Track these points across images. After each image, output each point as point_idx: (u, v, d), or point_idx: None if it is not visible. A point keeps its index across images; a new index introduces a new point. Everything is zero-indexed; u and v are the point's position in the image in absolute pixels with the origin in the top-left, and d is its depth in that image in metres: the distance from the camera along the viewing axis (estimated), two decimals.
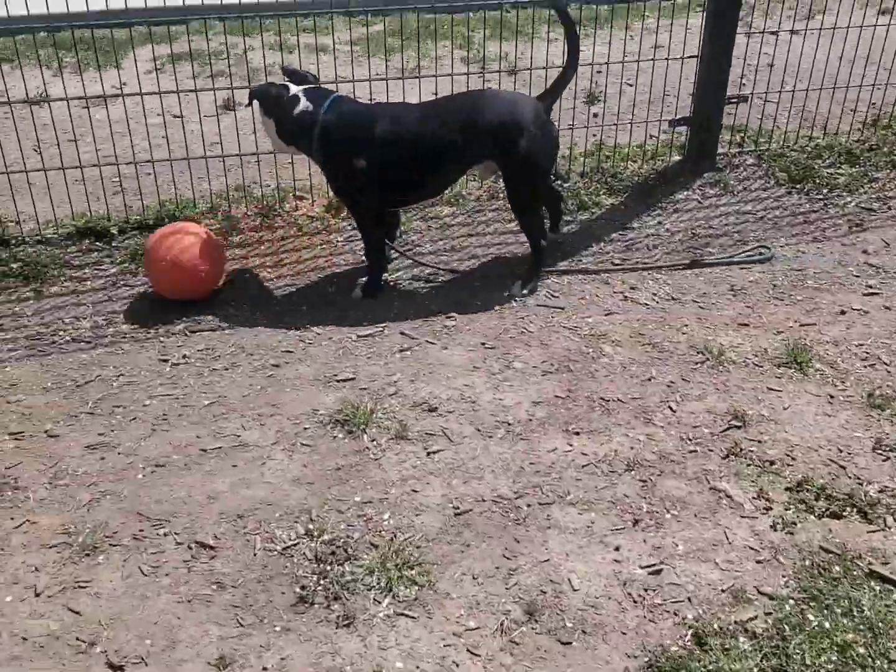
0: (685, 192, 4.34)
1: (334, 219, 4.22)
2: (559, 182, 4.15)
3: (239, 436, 2.90)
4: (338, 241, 4.07)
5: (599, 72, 5.25)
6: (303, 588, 2.33)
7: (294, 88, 3.46)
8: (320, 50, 5.83)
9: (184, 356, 3.32)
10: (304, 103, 3.42)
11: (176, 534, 2.53)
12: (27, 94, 4.48)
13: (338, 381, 3.14)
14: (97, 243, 4.04)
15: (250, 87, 3.54)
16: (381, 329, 3.43)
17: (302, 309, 3.60)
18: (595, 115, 5.04)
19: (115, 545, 2.50)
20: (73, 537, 2.53)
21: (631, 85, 5.22)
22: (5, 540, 2.53)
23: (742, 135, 4.70)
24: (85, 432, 2.95)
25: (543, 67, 4.34)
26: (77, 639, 2.23)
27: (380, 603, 2.28)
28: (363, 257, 3.76)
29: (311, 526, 2.51)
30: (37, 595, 2.35)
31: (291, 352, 3.33)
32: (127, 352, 3.37)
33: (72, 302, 3.70)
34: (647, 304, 3.52)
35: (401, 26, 6.30)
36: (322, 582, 2.34)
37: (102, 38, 6.16)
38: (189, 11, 4.25)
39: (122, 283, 3.82)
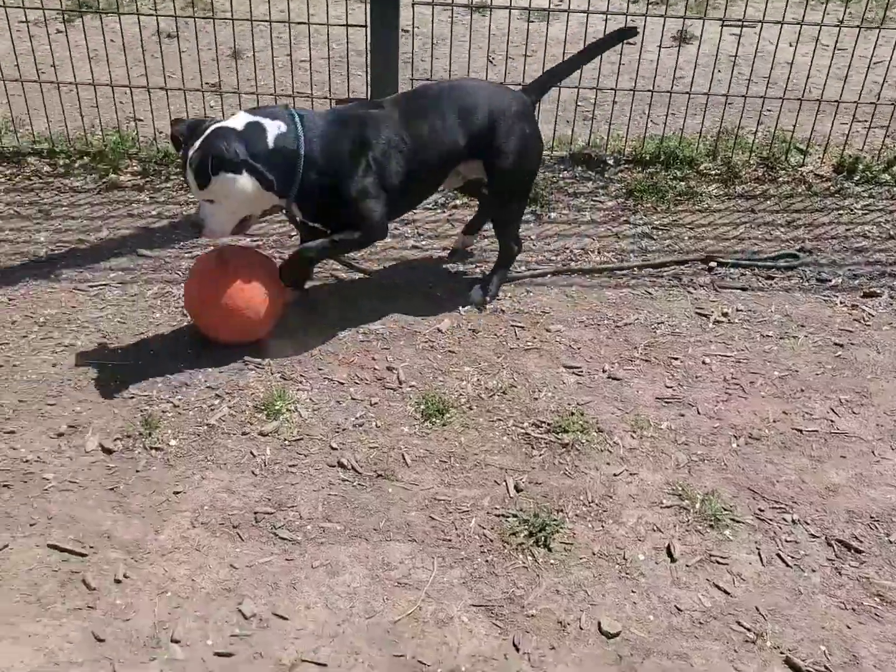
0: None
1: (847, 181, 3.77)
2: None
3: (832, 421, 2.58)
4: (855, 208, 3.64)
5: None
6: None
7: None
8: None
9: (724, 314, 3.04)
10: None
11: (806, 524, 2.26)
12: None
13: None
14: (590, 172, 3.81)
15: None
16: None
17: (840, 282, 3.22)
18: None
19: (737, 521, 2.27)
20: (685, 501, 2.31)
21: None
22: (610, 487, 2.36)
23: None
24: (649, 381, 2.73)
25: None
26: (738, 623, 2.01)
27: None
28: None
29: None
30: (672, 560, 2.15)
31: (850, 331, 2.96)
32: (655, 298, 3.13)
33: (574, 231, 3.50)
34: None
35: None
36: None
37: None
38: None
39: (622, 218, 3.58)
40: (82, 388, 2.59)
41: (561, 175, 3.79)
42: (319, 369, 2.71)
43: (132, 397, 2.56)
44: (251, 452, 2.40)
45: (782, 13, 3.60)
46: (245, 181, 2.51)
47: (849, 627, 2.01)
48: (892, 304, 3.09)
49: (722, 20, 3.75)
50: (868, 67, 3.76)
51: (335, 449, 2.43)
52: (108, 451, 2.38)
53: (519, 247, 3.17)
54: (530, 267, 3.27)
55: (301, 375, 2.68)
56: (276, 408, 2.53)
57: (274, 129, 2.55)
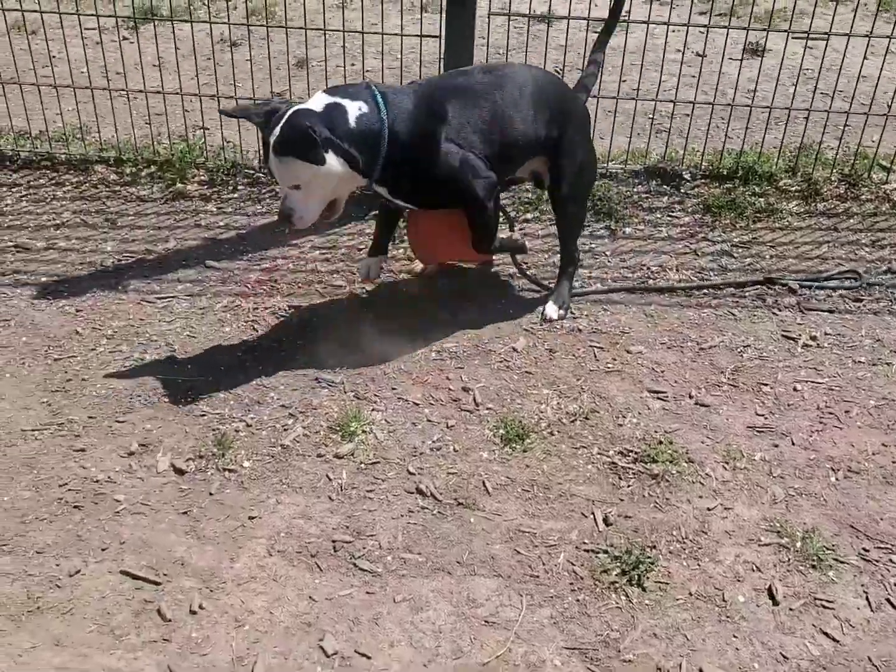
0: None
1: None
2: None
3: None
4: None
5: None
6: None
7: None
8: None
9: (812, 337, 2.90)
10: None
11: None
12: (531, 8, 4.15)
13: None
14: (665, 186, 3.69)
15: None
16: None
17: None
18: None
19: (841, 562, 2.13)
20: (784, 539, 2.18)
21: None
22: (704, 522, 2.23)
23: None
24: (739, 409, 2.60)
25: None
26: None
27: None
28: None
29: None
30: (775, 603, 2.02)
31: None
32: (739, 319, 3.00)
33: (650, 248, 3.38)
34: None
35: None
36: None
37: None
38: None
39: (700, 235, 3.45)
40: (152, 404, 2.53)
41: (635, 189, 3.67)
42: (393, 388, 2.62)
43: (203, 415, 2.49)
44: (327, 476, 2.31)
45: (868, 28, 3.45)
46: (332, 162, 2.45)
47: None
48: None
49: (807, 34, 3.60)
50: None
51: (413, 474, 2.33)
52: (181, 472, 2.31)
53: (579, 255, 3.09)
54: (606, 283, 3.16)
55: (375, 395, 2.59)
56: (351, 429, 2.44)
57: (354, 109, 2.50)
